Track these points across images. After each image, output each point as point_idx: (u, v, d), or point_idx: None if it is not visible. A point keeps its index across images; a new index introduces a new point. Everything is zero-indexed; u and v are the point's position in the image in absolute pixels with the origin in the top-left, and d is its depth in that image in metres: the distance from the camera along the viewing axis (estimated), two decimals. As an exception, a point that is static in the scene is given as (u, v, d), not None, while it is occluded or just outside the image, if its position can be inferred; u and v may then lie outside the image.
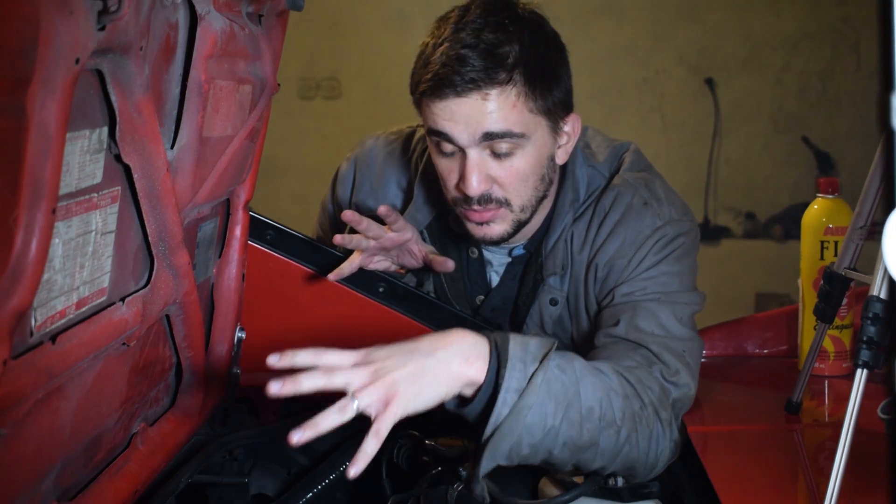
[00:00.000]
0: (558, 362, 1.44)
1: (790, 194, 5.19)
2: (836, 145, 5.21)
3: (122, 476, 1.32)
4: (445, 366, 1.38)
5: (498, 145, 1.68)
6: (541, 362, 1.41)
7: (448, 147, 1.72)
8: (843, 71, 5.21)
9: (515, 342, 1.42)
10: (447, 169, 1.75)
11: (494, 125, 1.66)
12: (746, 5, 5.23)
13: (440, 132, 1.70)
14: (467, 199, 1.73)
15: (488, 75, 1.65)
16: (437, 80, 1.66)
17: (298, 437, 1.30)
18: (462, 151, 1.71)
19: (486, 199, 1.73)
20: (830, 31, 5.20)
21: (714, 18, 5.26)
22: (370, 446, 1.32)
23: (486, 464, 1.40)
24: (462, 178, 1.71)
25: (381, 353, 1.36)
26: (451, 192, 1.76)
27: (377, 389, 1.33)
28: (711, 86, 5.28)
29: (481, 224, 1.76)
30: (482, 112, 1.66)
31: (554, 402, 1.41)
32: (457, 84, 1.65)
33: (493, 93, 1.65)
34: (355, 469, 1.31)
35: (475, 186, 1.70)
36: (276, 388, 1.30)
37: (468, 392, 1.41)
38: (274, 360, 1.34)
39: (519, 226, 1.78)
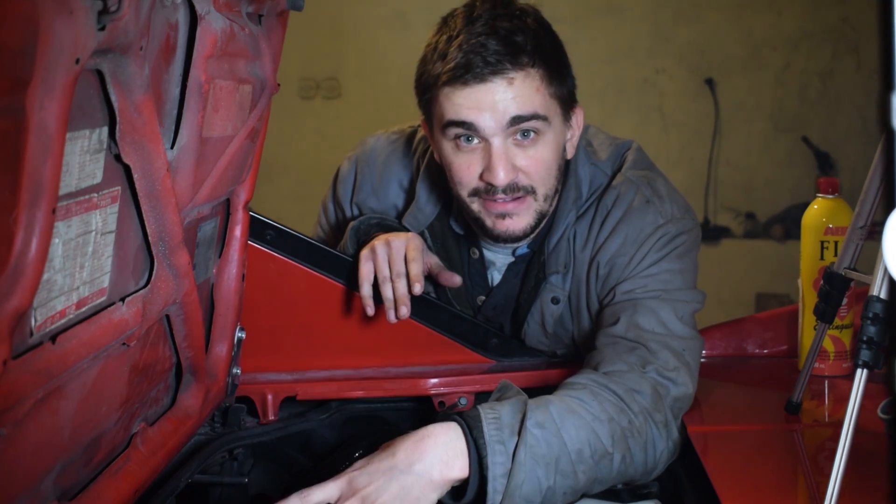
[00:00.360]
0: (536, 420, 1.45)
1: (790, 194, 5.19)
2: (836, 145, 5.21)
3: (122, 476, 1.32)
4: (427, 478, 1.41)
5: (525, 129, 1.69)
6: (519, 432, 1.43)
7: (469, 140, 1.71)
8: (843, 71, 5.21)
9: (488, 422, 1.43)
10: (465, 163, 1.73)
11: (521, 108, 1.67)
12: (746, 5, 5.23)
13: (464, 122, 1.69)
14: (491, 191, 1.72)
15: (512, 59, 1.66)
16: (459, 68, 1.66)
17: None
18: (485, 142, 1.70)
19: (512, 188, 1.72)
20: (830, 31, 5.20)
21: (714, 18, 5.26)
22: None
23: None
24: (488, 168, 1.70)
25: (363, 480, 1.41)
26: (471, 184, 1.74)
27: None
28: (711, 86, 5.28)
29: (504, 217, 1.75)
30: (507, 97, 1.67)
31: (543, 465, 1.43)
32: (482, 69, 1.66)
33: (518, 76, 1.67)
34: None
35: (502, 176, 1.69)
36: None
37: (457, 483, 1.44)
38: None
39: (541, 218, 1.77)
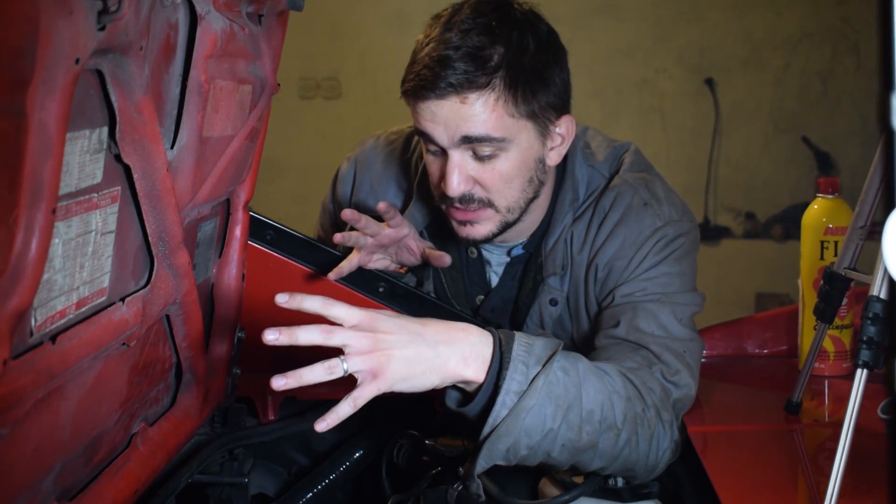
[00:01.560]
0: (562, 364, 1.44)
1: (790, 194, 5.19)
2: (836, 145, 5.21)
3: (122, 476, 1.32)
4: (442, 361, 1.39)
5: (478, 149, 1.69)
6: (544, 365, 1.42)
7: (432, 147, 1.73)
8: (843, 71, 5.21)
9: (520, 343, 1.43)
10: (433, 166, 1.76)
11: (473, 129, 1.66)
12: (746, 5, 5.23)
13: (422, 132, 1.71)
14: (449, 199, 1.73)
15: (468, 79, 1.64)
16: (418, 81, 1.67)
17: (281, 383, 1.31)
18: (444, 152, 1.71)
19: (467, 199, 1.73)
20: (830, 31, 5.20)
21: (714, 18, 5.26)
22: (344, 409, 1.33)
23: (483, 462, 1.41)
24: (443, 177, 1.72)
25: (386, 325, 1.37)
26: (436, 189, 1.78)
27: (370, 360, 1.34)
28: (711, 86, 5.28)
29: (464, 224, 1.77)
30: (461, 115, 1.66)
31: (554, 404, 1.41)
32: (437, 86, 1.65)
33: (472, 97, 1.65)
34: (323, 424, 1.32)
35: (455, 187, 1.70)
36: (272, 336, 1.30)
37: (469, 389, 1.42)
38: (282, 300, 1.34)
39: (506, 226, 1.77)
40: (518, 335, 1.44)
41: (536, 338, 1.46)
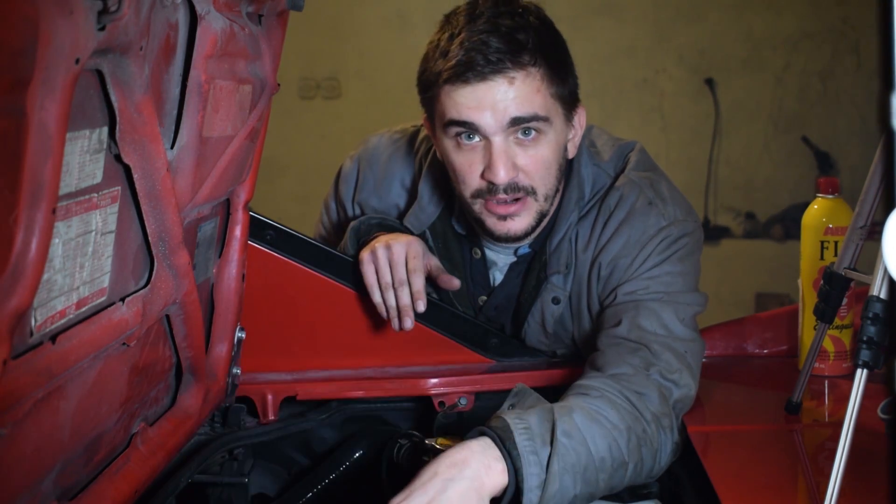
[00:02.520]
0: (563, 429, 1.46)
1: (790, 194, 5.18)
2: (836, 145, 5.21)
3: (122, 476, 1.32)
4: (478, 482, 1.42)
5: (525, 130, 1.69)
6: (551, 443, 1.44)
7: (470, 138, 1.71)
8: (843, 71, 5.21)
9: (518, 431, 1.44)
10: (467, 162, 1.73)
11: (521, 109, 1.67)
12: (746, 5, 5.23)
13: (465, 122, 1.69)
14: (492, 189, 1.71)
15: (513, 58, 1.66)
16: (460, 66, 1.66)
17: None
18: (486, 140, 1.70)
19: (513, 188, 1.72)
20: (830, 31, 5.20)
21: (714, 18, 5.25)
22: None
23: None
24: (489, 166, 1.70)
25: (420, 499, 1.42)
26: (473, 184, 1.74)
27: None
28: (711, 86, 5.28)
29: (505, 219, 1.75)
30: (508, 97, 1.66)
31: (572, 474, 1.45)
32: (483, 67, 1.65)
33: (519, 76, 1.66)
34: None
35: (503, 174, 1.69)
36: None
37: (495, 494, 1.45)
38: None
39: (541, 218, 1.77)
40: (511, 422, 1.46)
41: (528, 415, 1.48)
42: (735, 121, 5.29)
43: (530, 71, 1.67)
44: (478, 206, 1.75)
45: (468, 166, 1.73)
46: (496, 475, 1.43)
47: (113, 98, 1.09)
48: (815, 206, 1.92)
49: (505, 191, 1.71)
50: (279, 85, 1.59)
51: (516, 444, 1.43)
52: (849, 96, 5.20)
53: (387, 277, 1.78)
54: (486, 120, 1.67)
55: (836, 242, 1.87)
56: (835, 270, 1.65)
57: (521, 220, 1.75)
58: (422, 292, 1.77)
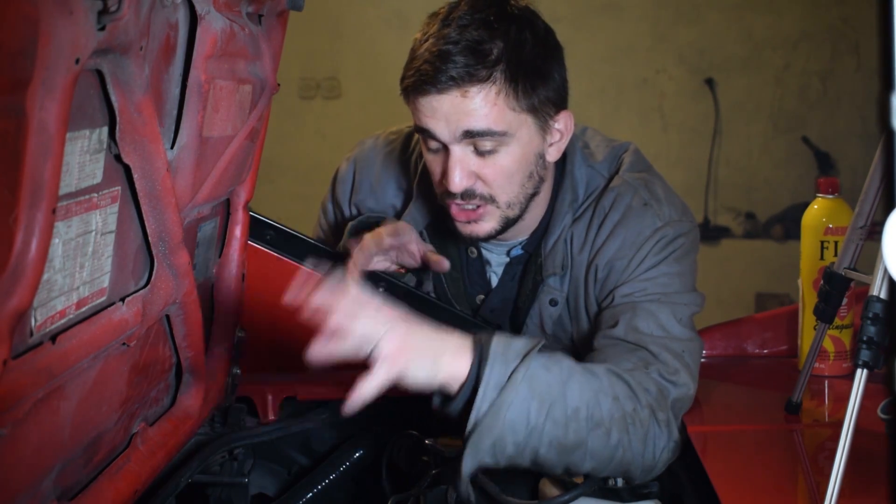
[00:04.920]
0: (544, 362, 1.45)
1: (790, 194, 5.19)
2: (836, 145, 5.21)
3: (122, 476, 1.32)
4: (440, 349, 1.43)
5: (480, 143, 1.69)
6: (523, 358, 1.43)
7: (433, 144, 1.73)
8: (843, 71, 5.21)
9: (498, 340, 1.44)
10: (434, 164, 1.76)
11: (475, 123, 1.66)
12: (746, 5, 5.23)
13: (423, 129, 1.71)
14: (451, 195, 1.73)
15: (468, 72, 1.64)
16: (419, 76, 1.67)
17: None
18: (445, 148, 1.71)
19: (469, 195, 1.72)
20: (830, 31, 5.20)
21: (714, 18, 5.25)
22: (369, 389, 1.38)
23: (469, 461, 1.41)
24: (444, 174, 1.72)
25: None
26: (439, 187, 1.77)
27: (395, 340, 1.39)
28: (711, 86, 5.28)
29: (468, 222, 1.76)
30: (462, 109, 1.66)
31: (538, 400, 1.42)
32: (437, 81, 1.65)
33: (473, 90, 1.65)
34: (348, 407, 1.38)
35: (457, 182, 1.70)
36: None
37: (453, 388, 1.42)
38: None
39: (507, 223, 1.77)
40: (498, 333, 1.46)
41: (517, 337, 1.47)
42: (735, 121, 5.29)
43: (485, 86, 1.65)
44: (446, 207, 1.78)
45: (434, 168, 1.76)
46: (457, 363, 1.42)
47: (113, 98, 1.09)
48: (815, 206, 1.92)
49: (462, 197, 1.72)
50: (279, 85, 1.59)
51: (490, 346, 1.42)
52: (849, 96, 5.20)
53: (373, 249, 1.81)
54: (441, 130, 1.69)
55: (836, 242, 1.87)
56: (835, 270, 1.65)
57: (483, 225, 1.76)
58: (412, 238, 1.83)
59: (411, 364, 1.39)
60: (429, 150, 1.75)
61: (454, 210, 1.75)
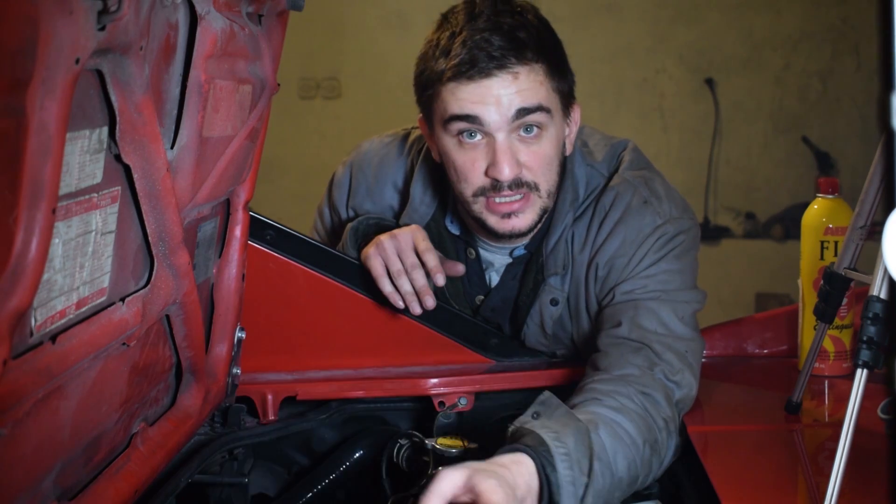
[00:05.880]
0: (595, 452, 1.40)
1: (790, 194, 5.19)
2: (836, 145, 5.21)
3: (122, 476, 1.32)
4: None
5: (529, 122, 1.69)
6: (588, 473, 1.38)
7: (472, 136, 1.71)
8: (843, 71, 5.21)
9: (560, 458, 1.35)
10: (469, 160, 1.73)
11: (526, 101, 1.68)
12: (746, 5, 5.23)
13: (469, 116, 1.69)
14: (497, 186, 1.72)
15: (517, 54, 1.67)
16: (464, 64, 1.67)
17: None
18: (489, 137, 1.70)
19: (517, 184, 1.72)
20: (830, 31, 5.20)
21: (714, 18, 5.25)
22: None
23: None
24: (493, 163, 1.70)
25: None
26: (476, 182, 1.73)
27: None
28: (711, 86, 5.28)
29: (509, 216, 1.75)
30: (511, 91, 1.68)
31: (600, 499, 1.41)
32: (487, 64, 1.67)
33: (523, 71, 1.68)
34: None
35: (507, 171, 1.70)
36: None
37: None
38: None
39: (543, 213, 1.77)
40: (552, 445, 1.36)
41: (566, 437, 1.38)
42: (735, 121, 5.29)
43: (533, 66, 1.69)
44: (479, 205, 1.75)
45: (471, 164, 1.73)
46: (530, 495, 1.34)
47: (113, 98, 1.09)
48: (815, 206, 1.92)
49: (510, 187, 1.72)
50: (279, 85, 1.59)
51: (556, 470, 1.35)
52: (849, 96, 5.20)
53: (397, 265, 1.79)
54: (491, 115, 1.68)
55: (836, 242, 1.87)
56: (835, 270, 1.65)
57: (524, 217, 1.75)
58: (439, 267, 1.78)
59: None
60: (462, 146, 1.73)
61: (494, 204, 1.74)
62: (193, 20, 1.26)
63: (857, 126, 5.18)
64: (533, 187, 1.73)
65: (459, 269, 1.85)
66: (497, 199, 1.73)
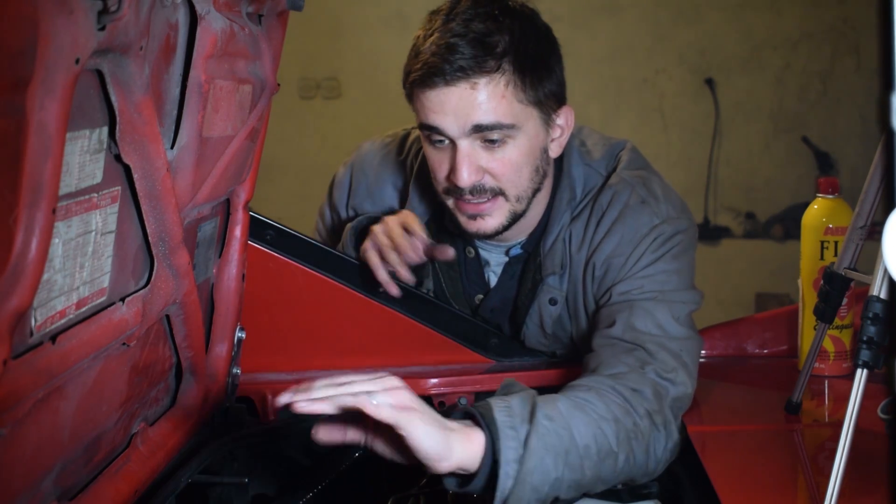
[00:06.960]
0: (545, 412, 1.42)
1: (790, 194, 5.19)
2: (836, 145, 5.21)
3: (122, 476, 1.32)
4: (449, 431, 1.35)
5: (488, 136, 1.69)
6: (530, 421, 1.40)
7: (438, 139, 1.72)
8: (843, 71, 5.21)
9: (499, 408, 1.39)
10: (438, 160, 1.75)
11: (484, 117, 1.67)
12: (746, 5, 5.23)
13: (430, 126, 1.70)
14: (459, 190, 1.73)
15: (477, 63, 1.65)
16: (426, 69, 1.67)
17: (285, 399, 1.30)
18: (453, 143, 1.71)
19: (478, 190, 1.73)
20: (830, 31, 5.20)
21: (714, 18, 5.26)
22: (370, 408, 1.28)
23: None
24: (453, 169, 1.72)
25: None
26: (443, 183, 1.76)
27: (398, 397, 1.30)
28: (711, 86, 5.28)
29: (475, 217, 1.76)
30: (471, 102, 1.66)
31: (553, 455, 1.40)
32: (446, 73, 1.65)
33: (482, 82, 1.66)
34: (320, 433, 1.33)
35: (466, 178, 1.70)
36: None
37: (471, 469, 1.37)
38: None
39: (515, 218, 1.77)
40: (493, 402, 1.41)
41: (510, 397, 1.43)
42: (735, 121, 5.29)
43: (494, 77, 1.66)
44: (451, 202, 1.78)
45: (438, 165, 1.75)
46: (474, 446, 1.36)
47: (113, 98, 1.09)
48: (815, 206, 1.92)
49: (471, 192, 1.72)
50: (279, 85, 1.59)
51: (495, 420, 1.38)
52: (849, 96, 5.20)
53: (385, 241, 1.80)
54: (449, 124, 1.69)
55: (836, 242, 1.87)
56: (835, 270, 1.65)
57: (490, 220, 1.76)
58: (424, 239, 1.80)
59: (420, 424, 1.30)
60: (433, 146, 1.75)
61: (462, 204, 1.75)
62: (193, 20, 1.26)
63: (857, 126, 5.18)
64: (497, 192, 1.73)
65: (449, 252, 1.84)
66: (464, 200, 1.74)
